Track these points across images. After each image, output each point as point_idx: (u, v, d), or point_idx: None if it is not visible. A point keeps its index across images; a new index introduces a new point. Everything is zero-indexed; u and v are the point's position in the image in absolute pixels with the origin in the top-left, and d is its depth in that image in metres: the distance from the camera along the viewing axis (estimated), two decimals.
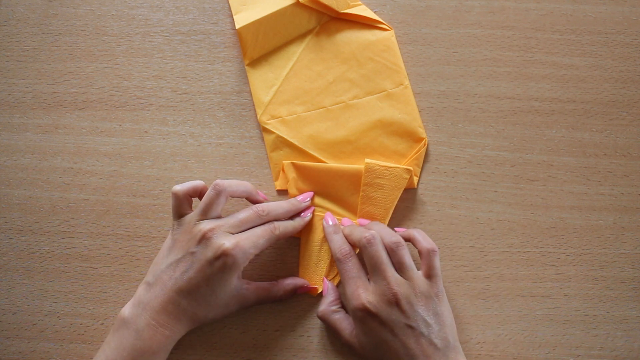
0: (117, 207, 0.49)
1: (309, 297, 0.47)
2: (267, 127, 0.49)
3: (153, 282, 0.42)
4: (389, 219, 0.47)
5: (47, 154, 0.49)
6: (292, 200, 0.47)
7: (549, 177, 0.49)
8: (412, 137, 0.49)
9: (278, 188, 0.49)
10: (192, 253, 0.41)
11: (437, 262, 0.42)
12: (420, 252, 0.43)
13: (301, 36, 0.50)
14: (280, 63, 0.50)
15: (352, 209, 0.48)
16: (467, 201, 0.48)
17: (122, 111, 0.50)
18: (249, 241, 0.42)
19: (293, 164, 0.48)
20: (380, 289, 0.41)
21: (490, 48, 0.50)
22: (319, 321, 0.46)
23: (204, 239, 0.41)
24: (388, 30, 0.50)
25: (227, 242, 0.41)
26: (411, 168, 0.47)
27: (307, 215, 0.47)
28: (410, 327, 0.40)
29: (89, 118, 0.50)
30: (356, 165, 0.48)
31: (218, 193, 0.43)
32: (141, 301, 0.41)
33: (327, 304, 0.45)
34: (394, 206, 0.47)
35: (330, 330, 0.45)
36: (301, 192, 0.48)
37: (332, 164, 0.48)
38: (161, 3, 0.52)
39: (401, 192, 0.47)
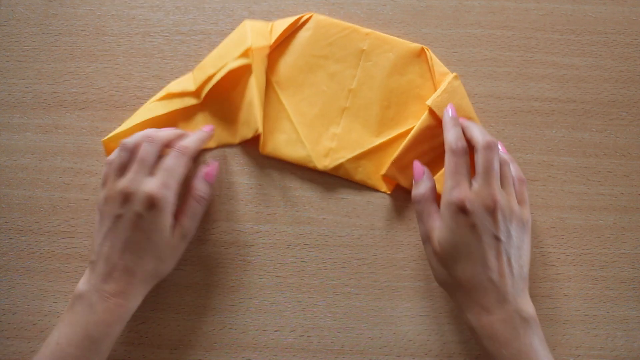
0: None
1: (309, 297, 0.47)
2: (337, 163, 0.48)
3: (96, 260, 0.41)
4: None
5: (47, 154, 0.49)
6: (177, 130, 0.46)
7: (549, 177, 0.49)
8: (415, 55, 0.49)
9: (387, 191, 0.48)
10: (120, 216, 0.41)
11: (527, 192, 0.43)
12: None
13: (261, 93, 0.48)
14: (276, 115, 0.49)
15: None
16: None
17: (122, 111, 0.50)
18: (166, 174, 0.41)
19: (392, 165, 0.47)
20: (482, 193, 0.39)
21: (490, 48, 0.50)
22: (318, 321, 0.46)
23: (125, 197, 0.41)
24: (310, 16, 0.50)
25: (147, 186, 0.41)
26: (455, 73, 0.48)
27: (208, 128, 0.47)
28: (498, 239, 0.39)
29: (89, 118, 0.50)
30: (409, 123, 0.48)
31: (122, 148, 0.42)
32: (89, 279, 0.41)
33: (430, 189, 0.43)
34: (474, 112, 0.47)
35: (419, 216, 0.43)
36: (410, 180, 0.47)
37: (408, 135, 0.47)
38: (161, 3, 0.52)
39: (467, 97, 0.48)
